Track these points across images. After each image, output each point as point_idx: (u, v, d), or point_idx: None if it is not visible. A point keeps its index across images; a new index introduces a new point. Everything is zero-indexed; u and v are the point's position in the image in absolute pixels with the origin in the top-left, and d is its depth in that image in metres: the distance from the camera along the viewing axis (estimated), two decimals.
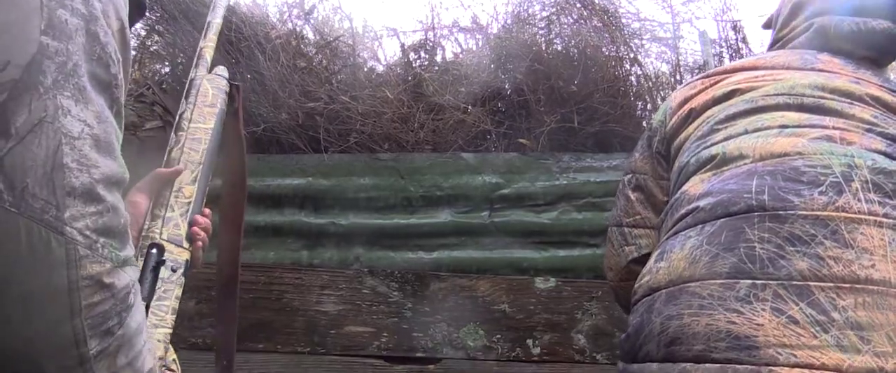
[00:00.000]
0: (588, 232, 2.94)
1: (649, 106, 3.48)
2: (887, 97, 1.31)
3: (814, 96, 1.30)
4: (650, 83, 4.42)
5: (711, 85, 1.49)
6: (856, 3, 1.55)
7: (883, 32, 1.50)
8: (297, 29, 2.98)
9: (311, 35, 3.18)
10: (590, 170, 3.04)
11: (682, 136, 1.45)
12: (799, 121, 1.26)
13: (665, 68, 4.69)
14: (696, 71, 4.59)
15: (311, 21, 3.15)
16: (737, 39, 4.13)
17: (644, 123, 3.70)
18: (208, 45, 1.45)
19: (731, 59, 3.85)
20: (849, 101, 1.29)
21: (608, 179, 3.00)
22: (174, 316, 1.13)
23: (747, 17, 4.66)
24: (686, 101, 1.50)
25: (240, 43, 2.77)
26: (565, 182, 3.00)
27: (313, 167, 2.90)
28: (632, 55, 4.28)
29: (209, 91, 1.35)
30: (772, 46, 1.70)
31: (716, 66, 4.16)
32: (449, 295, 2.69)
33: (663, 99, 3.61)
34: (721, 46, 4.10)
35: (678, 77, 4.49)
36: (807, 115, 1.27)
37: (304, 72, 2.76)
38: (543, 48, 3.85)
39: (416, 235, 2.89)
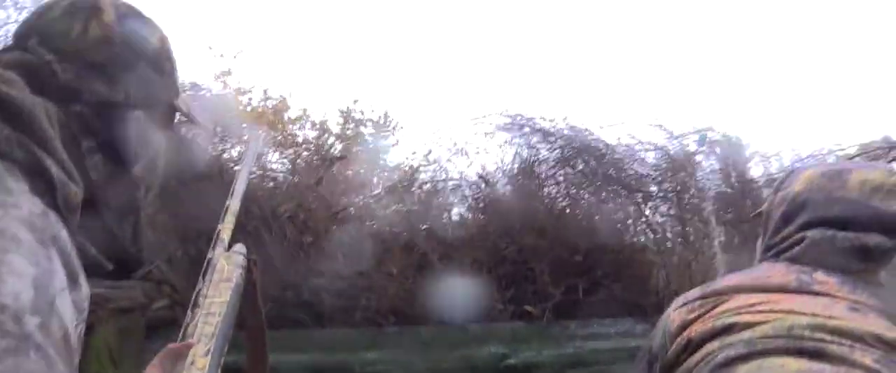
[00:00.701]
0: None
1: (656, 270, 3.48)
2: (889, 336, 1.30)
3: (814, 340, 1.29)
4: (655, 236, 4.44)
5: (710, 309, 1.49)
6: (847, 215, 1.57)
7: (876, 248, 1.51)
8: (305, 202, 3.03)
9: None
10: (597, 337, 3.03)
11: (682, 370, 1.43)
12: (799, 370, 1.25)
13: (665, 213, 4.74)
14: (699, 219, 4.61)
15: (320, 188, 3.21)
16: (741, 195, 4.18)
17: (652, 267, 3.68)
18: (227, 227, 1.48)
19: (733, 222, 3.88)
20: (849, 343, 1.28)
21: (616, 347, 2.98)
22: None
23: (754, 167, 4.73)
24: (684, 326, 1.50)
25: (246, 224, 2.82)
26: (572, 350, 2.98)
27: (318, 343, 2.89)
28: (636, 207, 4.33)
29: (225, 267, 1.37)
30: (764, 253, 1.71)
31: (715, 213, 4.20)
32: None
33: (668, 264, 3.62)
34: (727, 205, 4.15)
35: (683, 228, 4.52)
36: (807, 363, 1.26)
37: (311, 247, 2.80)
38: (547, 205, 3.89)
39: None
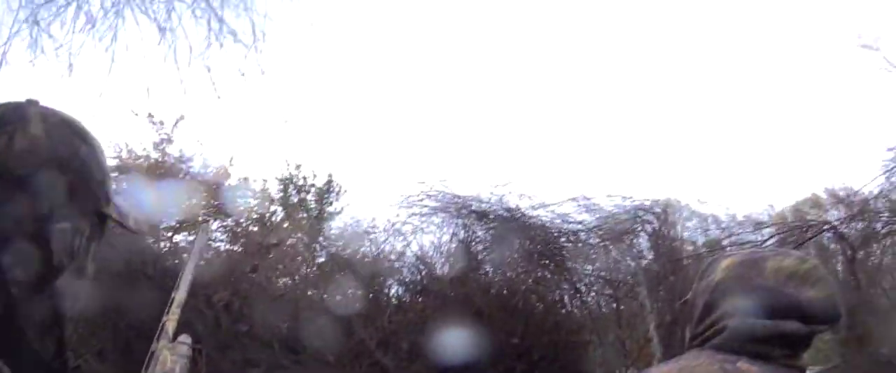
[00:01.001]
0: None
1: (592, 349, 3.53)
2: None
3: None
4: (591, 315, 4.49)
5: None
6: (765, 304, 1.63)
7: (794, 334, 1.58)
8: (241, 289, 3.01)
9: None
10: None
11: None
12: None
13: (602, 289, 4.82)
14: (632, 297, 4.68)
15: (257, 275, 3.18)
16: (673, 272, 4.28)
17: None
18: (172, 319, 1.46)
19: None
20: None
21: None
22: None
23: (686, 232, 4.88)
24: None
25: (180, 315, 2.77)
26: None
27: None
28: (571, 286, 4.39)
29: (168, 359, 1.36)
30: (691, 341, 1.77)
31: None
32: None
33: (604, 343, 3.67)
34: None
35: (617, 307, 4.58)
36: None
37: (247, 337, 2.76)
38: (484, 286, 3.92)
39: None
